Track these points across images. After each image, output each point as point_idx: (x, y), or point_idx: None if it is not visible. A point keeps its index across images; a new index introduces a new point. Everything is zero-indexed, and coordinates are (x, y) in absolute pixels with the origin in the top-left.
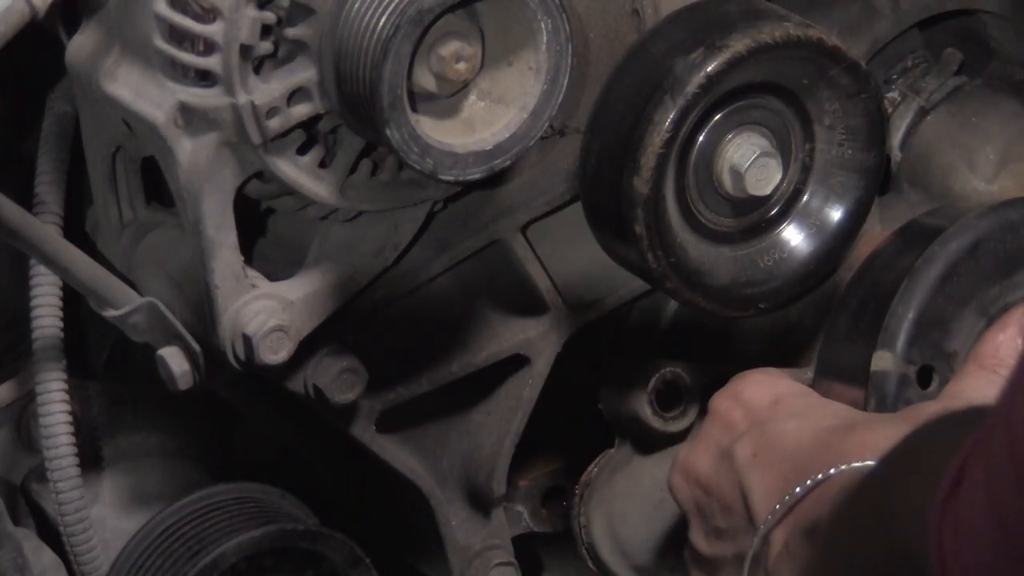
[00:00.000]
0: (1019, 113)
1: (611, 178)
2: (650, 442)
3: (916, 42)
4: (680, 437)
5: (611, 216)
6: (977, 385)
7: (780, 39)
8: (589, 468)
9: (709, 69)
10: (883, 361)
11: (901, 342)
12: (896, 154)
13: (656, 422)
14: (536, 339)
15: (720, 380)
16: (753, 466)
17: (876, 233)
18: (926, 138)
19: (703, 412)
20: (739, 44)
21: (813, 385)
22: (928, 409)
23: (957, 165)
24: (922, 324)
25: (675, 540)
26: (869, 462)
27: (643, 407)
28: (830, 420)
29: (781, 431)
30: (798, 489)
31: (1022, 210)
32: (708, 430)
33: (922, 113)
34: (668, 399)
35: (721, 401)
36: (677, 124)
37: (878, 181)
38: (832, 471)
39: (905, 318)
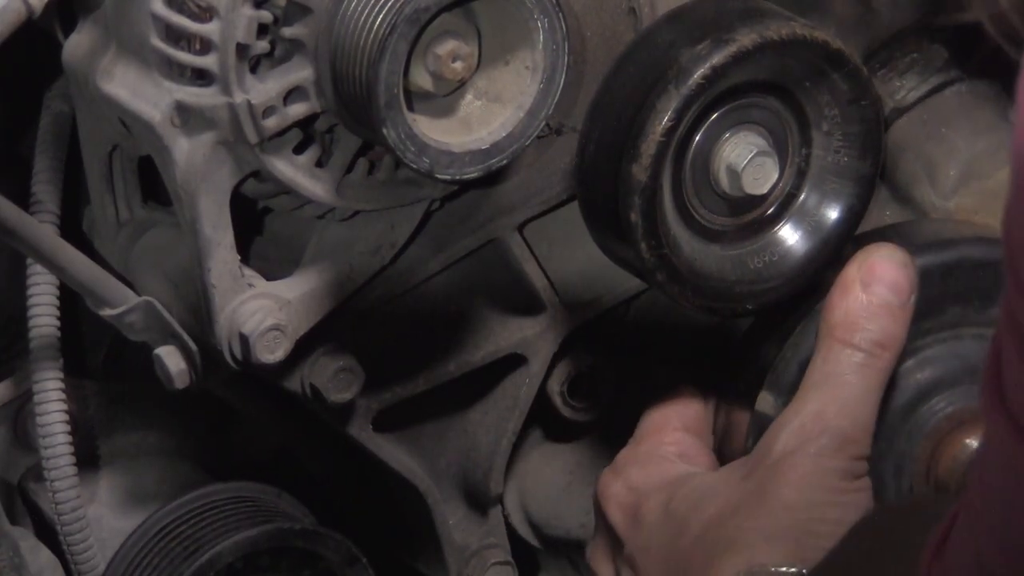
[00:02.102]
0: (993, 125)
1: (609, 165)
2: (560, 428)
3: (906, 31)
4: (591, 426)
5: (607, 205)
6: (837, 368)
7: (786, 37)
8: None
9: (714, 60)
10: (765, 403)
11: (784, 386)
12: None
13: (567, 411)
14: (533, 338)
15: (636, 374)
16: None
17: None
18: (895, 141)
19: (617, 400)
20: (745, 39)
21: (720, 396)
22: (775, 447)
23: (919, 176)
24: None
25: (580, 520)
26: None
27: (554, 395)
28: (675, 537)
29: (647, 553)
30: None
31: (938, 256)
32: (602, 532)
33: (896, 114)
34: (580, 390)
35: (601, 500)
36: (680, 113)
37: (871, 190)
38: None
39: (792, 362)
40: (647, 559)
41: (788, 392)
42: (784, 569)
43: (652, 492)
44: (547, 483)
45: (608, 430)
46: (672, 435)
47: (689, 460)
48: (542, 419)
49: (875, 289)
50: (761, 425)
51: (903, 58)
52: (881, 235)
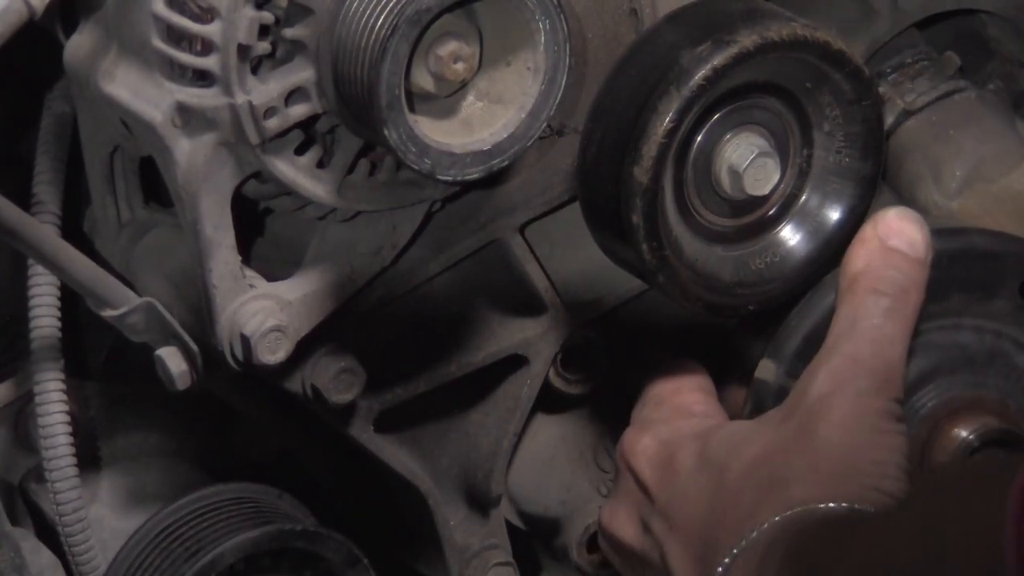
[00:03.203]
0: (1001, 132)
1: (611, 167)
2: (550, 400)
3: (917, 38)
4: (581, 399)
5: (608, 206)
6: (866, 313)
7: (787, 38)
8: None
9: (715, 62)
10: (766, 371)
11: (787, 355)
12: None
13: (558, 382)
14: (534, 339)
15: (632, 352)
16: (670, 540)
17: None
18: (902, 142)
19: (607, 379)
20: (747, 40)
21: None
22: (806, 405)
23: (924, 176)
24: (812, 341)
25: (560, 496)
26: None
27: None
28: (716, 481)
29: (684, 500)
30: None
31: (946, 241)
32: (625, 491)
33: (905, 115)
34: (574, 362)
35: (629, 457)
36: (681, 114)
37: (873, 190)
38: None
39: (796, 331)
40: (685, 506)
41: (790, 360)
42: (833, 506)
43: (684, 443)
44: (530, 457)
45: (597, 406)
46: (693, 395)
47: (712, 418)
48: None
49: (893, 242)
50: (760, 391)
51: (915, 64)
52: None
